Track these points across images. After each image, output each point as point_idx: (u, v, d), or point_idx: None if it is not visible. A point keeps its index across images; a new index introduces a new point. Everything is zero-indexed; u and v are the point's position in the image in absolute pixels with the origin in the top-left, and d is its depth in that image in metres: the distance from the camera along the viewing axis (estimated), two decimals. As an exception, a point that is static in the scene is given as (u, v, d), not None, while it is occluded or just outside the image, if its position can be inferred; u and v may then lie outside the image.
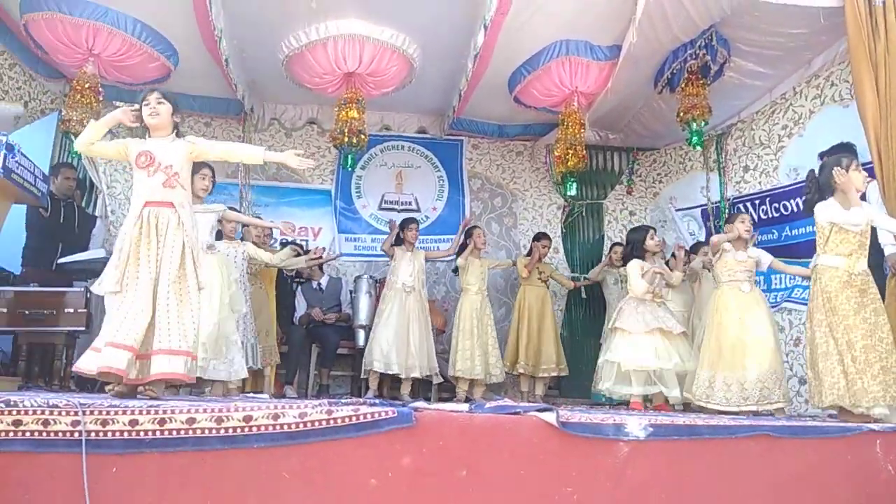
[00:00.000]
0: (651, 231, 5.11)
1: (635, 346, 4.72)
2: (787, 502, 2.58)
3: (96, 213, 6.41)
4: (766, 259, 4.57)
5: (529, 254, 6.55)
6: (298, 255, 5.59)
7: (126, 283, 3.09)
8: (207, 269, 4.40)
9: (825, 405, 3.59)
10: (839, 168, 3.66)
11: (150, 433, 2.21)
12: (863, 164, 4.04)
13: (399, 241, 6.04)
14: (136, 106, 3.31)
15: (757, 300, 4.45)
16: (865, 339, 3.47)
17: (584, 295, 7.20)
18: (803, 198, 4.02)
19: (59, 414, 2.19)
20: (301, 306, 6.23)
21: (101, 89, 5.36)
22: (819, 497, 2.62)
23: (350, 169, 6.81)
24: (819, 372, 3.59)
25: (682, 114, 5.42)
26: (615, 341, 4.88)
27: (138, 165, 3.22)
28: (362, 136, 5.77)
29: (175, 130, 3.37)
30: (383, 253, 6.29)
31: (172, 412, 2.24)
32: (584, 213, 7.56)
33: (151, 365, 3.05)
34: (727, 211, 6.44)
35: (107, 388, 3.23)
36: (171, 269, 3.14)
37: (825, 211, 3.67)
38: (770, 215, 5.81)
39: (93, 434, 2.19)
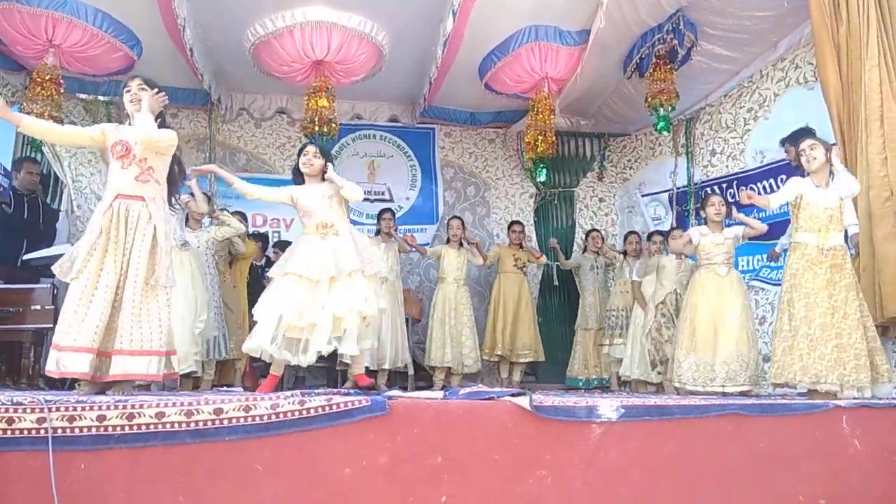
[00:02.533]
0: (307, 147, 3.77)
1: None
2: (757, 479, 2.63)
3: (61, 208, 6.27)
4: (740, 231, 4.61)
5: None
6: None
7: (88, 275, 3.00)
8: (184, 267, 4.37)
9: (770, 382, 3.73)
10: (797, 162, 3.85)
11: (118, 428, 2.18)
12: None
13: (377, 232, 6.01)
14: None
15: (732, 283, 4.47)
16: (825, 318, 3.52)
17: (556, 282, 7.24)
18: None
19: (24, 412, 2.15)
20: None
21: (62, 81, 5.24)
22: (788, 473, 2.67)
23: (321, 159, 6.75)
24: (772, 349, 3.73)
25: (650, 99, 5.47)
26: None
27: (114, 155, 3.15)
28: (333, 125, 5.72)
29: (159, 119, 3.28)
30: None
31: (141, 407, 2.21)
32: (555, 201, 7.58)
33: (112, 364, 2.98)
34: (693, 195, 6.52)
35: (77, 385, 3.17)
36: (140, 267, 3.06)
37: (791, 186, 3.80)
38: (737, 198, 5.86)
39: (59, 431, 2.15)
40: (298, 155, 3.73)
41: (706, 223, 4.63)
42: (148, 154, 3.18)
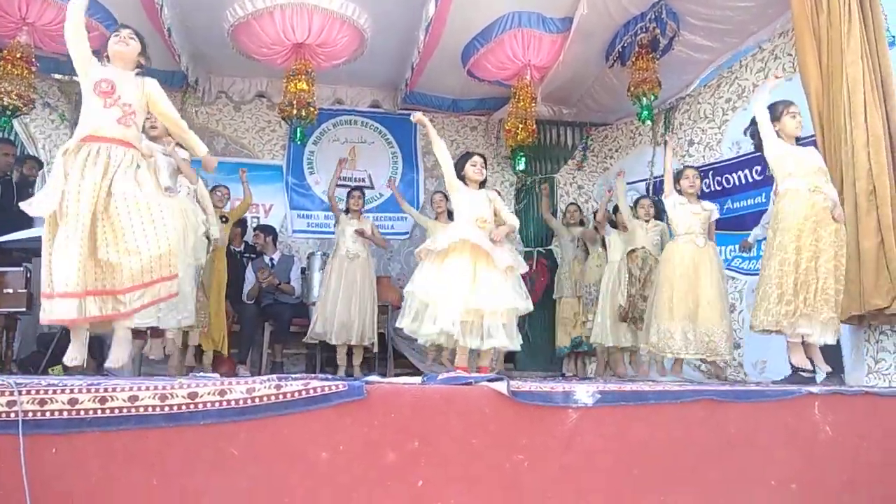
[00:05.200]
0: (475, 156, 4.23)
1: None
2: (730, 463, 2.66)
3: (36, 191, 6.16)
4: (715, 211, 4.74)
5: None
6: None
7: (66, 215, 2.80)
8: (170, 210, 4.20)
9: (757, 328, 3.75)
10: (774, 118, 3.87)
11: (90, 412, 2.14)
12: (805, 138, 4.15)
13: (346, 211, 5.99)
14: None
15: (710, 256, 4.55)
16: (810, 262, 3.59)
17: (534, 266, 7.24)
18: (752, 141, 4.18)
19: (-6, 395, 2.11)
20: (250, 282, 6.11)
21: (35, 60, 5.12)
22: (761, 458, 2.70)
23: (300, 143, 6.69)
24: (759, 295, 3.75)
25: (632, 88, 5.49)
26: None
27: (96, 91, 2.94)
28: (311, 109, 5.66)
29: (138, 69, 3.16)
30: (333, 221, 6.20)
31: (114, 390, 2.17)
32: (536, 189, 7.59)
33: (121, 304, 2.86)
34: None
35: (50, 370, 3.09)
36: (128, 199, 2.87)
37: (772, 148, 3.85)
38: (713, 188, 5.92)
39: (30, 414, 2.11)
40: (464, 161, 4.18)
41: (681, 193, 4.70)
42: (133, 99, 3.03)
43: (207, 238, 4.76)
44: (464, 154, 4.32)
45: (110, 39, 3.13)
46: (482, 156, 4.27)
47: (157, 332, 4.22)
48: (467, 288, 3.74)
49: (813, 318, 3.60)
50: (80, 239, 2.79)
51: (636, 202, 5.76)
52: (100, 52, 3.15)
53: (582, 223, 6.72)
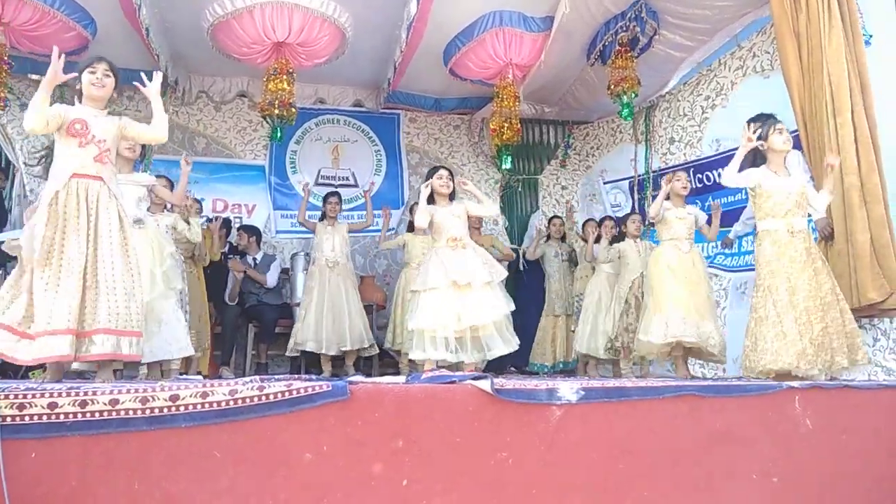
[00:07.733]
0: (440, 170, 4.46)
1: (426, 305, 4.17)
2: (712, 458, 2.68)
3: (13, 194, 6.08)
4: (702, 217, 4.72)
5: None
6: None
7: (52, 259, 2.86)
8: (137, 244, 4.17)
9: (757, 371, 3.63)
10: (762, 141, 3.80)
11: (70, 416, 2.12)
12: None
13: (323, 216, 5.95)
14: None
15: (695, 260, 4.55)
16: (808, 301, 3.55)
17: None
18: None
19: (-30, 400, 2.08)
20: (232, 283, 6.07)
21: (10, 61, 5.06)
22: (742, 452, 2.73)
23: (278, 142, 6.64)
24: (755, 338, 3.66)
25: (612, 86, 5.52)
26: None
27: (70, 133, 2.99)
28: (292, 110, 5.63)
29: (109, 106, 3.22)
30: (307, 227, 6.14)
31: (94, 394, 2.15)
32: (520, 188, 7.60)
33: (96, 344, 2.85)
34: (651, 182, 6.59)
35: (31, 374, 3.06)
36: (113, 244, 2.96)
37: (748, 176, 3.78)
38: (694, 185, 5.96)
39: (9, 419, 2.08)
40: (429, 177, 4.34)
41: (669, 198, 4.67)
42: (107, 136, 3.08)
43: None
44: (430, 169, 4.45)
45: (85, 74, 3.10)
46: (448, 169, 4.43)
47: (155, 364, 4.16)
48: (457, 311, 4.01)
49: (824, 359, 3.47)
50: (76, 280, 2.83)
51: (626, 217, 5.69)
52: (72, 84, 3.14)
53: (564, 237, 6.68)
